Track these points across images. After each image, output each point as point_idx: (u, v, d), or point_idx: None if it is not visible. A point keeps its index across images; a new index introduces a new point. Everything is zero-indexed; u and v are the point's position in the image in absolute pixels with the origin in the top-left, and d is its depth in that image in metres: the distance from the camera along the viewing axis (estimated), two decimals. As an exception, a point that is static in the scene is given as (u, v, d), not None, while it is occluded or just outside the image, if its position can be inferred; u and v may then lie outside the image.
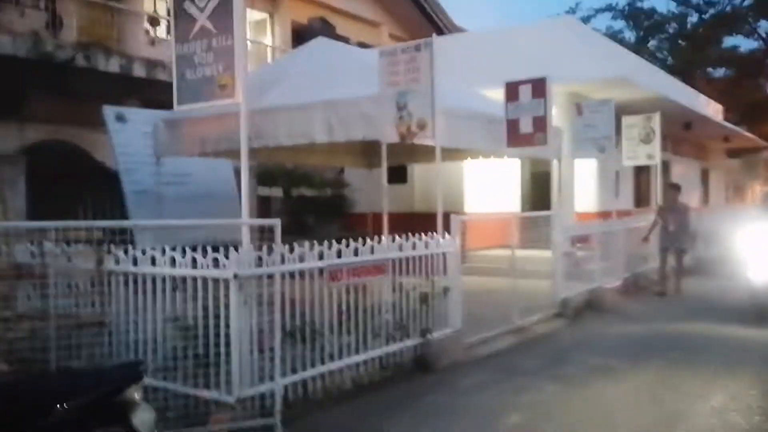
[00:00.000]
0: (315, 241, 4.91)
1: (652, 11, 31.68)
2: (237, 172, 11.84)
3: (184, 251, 4.36)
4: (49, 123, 11.22)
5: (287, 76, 7.96)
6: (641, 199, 15.34)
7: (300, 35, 16.03)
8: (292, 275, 4.56)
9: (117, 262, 4.68)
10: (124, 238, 4.88)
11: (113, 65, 11.56)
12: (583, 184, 13.25)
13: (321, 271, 4.77)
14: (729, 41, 31.26)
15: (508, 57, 11.99)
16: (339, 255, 4.94)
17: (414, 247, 5.75)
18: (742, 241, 8.33)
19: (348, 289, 5.05)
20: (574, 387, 5.44)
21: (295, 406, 4.55)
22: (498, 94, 8.26)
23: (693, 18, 31.68)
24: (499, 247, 8.30)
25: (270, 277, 4.27)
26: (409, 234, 5.85)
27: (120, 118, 9.98)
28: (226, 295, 4.13)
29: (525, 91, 8.07)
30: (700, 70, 29.81)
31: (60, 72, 10.67)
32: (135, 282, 4.60)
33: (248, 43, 16.37)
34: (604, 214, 11.61)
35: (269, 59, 16.19)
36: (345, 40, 14.07)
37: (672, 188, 10.79)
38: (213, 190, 10.35)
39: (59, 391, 2.43)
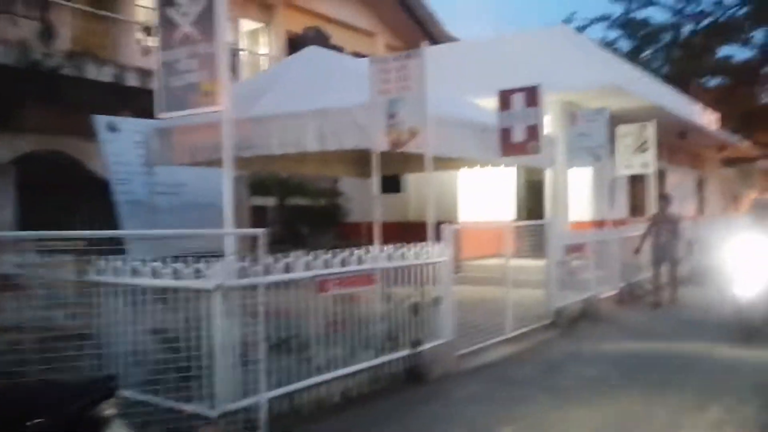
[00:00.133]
0: (308, 251, 4.83)
1: (647, 21, 31.81)
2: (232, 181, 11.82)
3: (169, 261, 4.27)
4: (40, 133, 11.14)
5: (279, 84, 7.92)
6: (636, 208, 15.29)
7: (295, 45, 16.00)
8: (278, 286, 4.47)
9: (99, 272, 4.59)
10: (115, 248, 4.81)
11: (106, 74, 11.51)
12: (578, 193, 13.20)
13: (309, 281, 4.68)
14: (724, 50, 31.42)
15: (503, 66, 11.97)
16: (327, 265, 4.84)
17: (404, 256, 5.66)
18: (728, 253, 7.82)
19: (337, 299, 4.96)
20: (569, 399, 5.34)
21: (282, 420, 4.45)
22: (492, 103, 8.21)
23: (688, 27, 31.81)
24: (494, 256, 8.22)
25: (254, 288, 4.18)
26: (403, 243, 5.77)
27: (112, 128, 9.91)
28: (209, 307, 4.03)
29: (518, 100, 8.02)
30: (696, 79, 29.87)
31: (52, 81, 10.62)
32: (117, 293, 4.51)
33: (243, 52, 16.43)
34: (599, 223, 11.53)
35: (264, 69, 16.17)
36: (340, 49, 14.06)
37: (662, 199, 10.71)
38: (207, 200, 10.26)
39: (19, 408, 2.31)
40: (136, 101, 11.34)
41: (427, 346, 5.79)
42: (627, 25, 31.89)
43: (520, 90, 8.05)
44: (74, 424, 2.34)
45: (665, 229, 10.11)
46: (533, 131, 7.88)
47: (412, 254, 5.74)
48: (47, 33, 11.37)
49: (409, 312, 5.65)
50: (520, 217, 13.55)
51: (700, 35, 30.68)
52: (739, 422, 4.71)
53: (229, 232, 4.45)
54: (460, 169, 11.25)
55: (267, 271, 4.34)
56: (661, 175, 16.86)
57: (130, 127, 9.57)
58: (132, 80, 11.64)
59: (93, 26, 12.38)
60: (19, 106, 10.56)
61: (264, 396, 4.20)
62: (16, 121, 10.64)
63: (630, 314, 9.35)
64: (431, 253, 5.98)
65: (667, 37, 32.27)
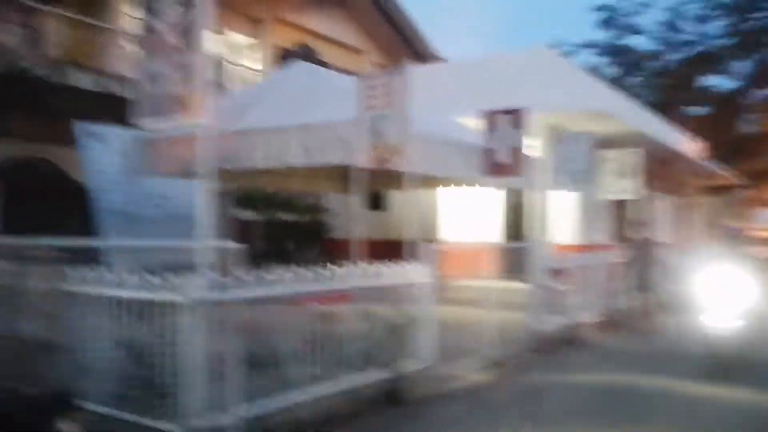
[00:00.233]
0: (292, 266, 4.75)
1: (633, 49, 32.35)
2: (216, 195, 11.72)
3: (145, 273, 4.17)
4: (24, 140, 11.01)
5: (266, 98, 7.89)
6: (621, 233, 15.37)
7: (284, 60, 16.03)
8: (253, 301, 4.37)
9: (71, 282, 4.48)
10: (92, 258, 4.71)
11: (92, 83, 11.43)
12: (563, 216, 13.23)
13: (285, 297, 4.59)
14: (708, 80, 31.97)
15: (488, 86, 12.05)
16: (304, 281, 4.76)
17: (383, 275, 5.59)
18: (699, 284, 7.48)
19: (314, 317, 4.86)
20: (550, 425, 5.26)
21: (254, 440, 4.33)
22: (478, 123, 8.22)
23: (673, 56, 32.36)
24: (478, 277, 8.18)
25: (228, 303, 4.08)
26: (388, 261, 5.70)
27: (93, 136, 9.81)
28: (181, 321, 3.93)
29: (503, 121, 8.03)
30: (680, 107, 30.33)
31: (37, 89, 10.51)
32: (89, 304, 4.39)
33: (231, 66, 16.42)
34: (583, 247, 11.56)
35: (253, 83, 16.14)
36: (328, 66, 14.10)
37: (637, 225, 10.73)
38: (190, 212, 10.18)
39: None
40: (121, 110, 11.23)
41: (406, 367, 5.70)
42: (613, 52, 32.42)
43: (505, 111, 8.07)
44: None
45: (640, 255, 10.10)
46: (517, 153, 7.88)
47: (391, 273, 5.67)
48: (33, 40, 11.28)
49: (388, 332, 5.56)
50: (506, 239, 13.56)
51: (684, 64, 31.23)
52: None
53: (204, 246, 4.36)
54: (445, 188, 11.25)
55: (242, 286, 4.25)
56: (646, 202, 16.99)
57: (113, 135, 9.47)
58: (117, 89, 11.55)
59: (79, 34, 12.30)
60: (2, 113, 10.43)
61: (235, 414, 4.08)
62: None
63: (611, 340, 9.29)
64: (412, 272, 5.91)
65: (652, 64, 32.83)
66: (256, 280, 4.37)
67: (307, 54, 15.51)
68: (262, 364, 4.43)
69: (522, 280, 8.58)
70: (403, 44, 19.93)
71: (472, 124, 8.44)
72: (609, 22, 31.75)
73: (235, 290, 4.14)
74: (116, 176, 9.35)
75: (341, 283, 5.08)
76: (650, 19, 57.81)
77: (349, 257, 8.81)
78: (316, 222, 14.18)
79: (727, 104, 30.79)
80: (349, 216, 10.59)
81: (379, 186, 11.21)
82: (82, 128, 9.51)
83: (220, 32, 16.15)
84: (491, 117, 8.14)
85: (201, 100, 4.20)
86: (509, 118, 8.00)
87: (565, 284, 9.35)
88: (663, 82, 31.96)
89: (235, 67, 16.51)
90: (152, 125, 4.61)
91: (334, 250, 12.88)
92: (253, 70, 16.78)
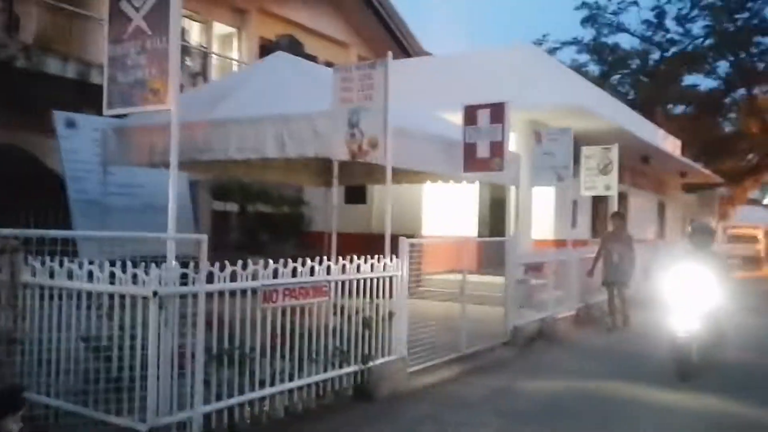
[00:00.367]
0: (268, 259, 4.68)
1: (616, 47, 32.53)
2: (191, 185, 11.56)
3: (115, 264, 4.06)
4: (-1, 128, 10.76)
5: (243, 89, 7.76)
6: (598, 229, 15.48)
7: (268, 52, 15.83)
8: (221, 294, 4.29)
9: (33, 274, 4.37)
10: (63, 249, 4.58)
11: (70, 71, 11.21)
12: (540, 212, 13.28)
13: (254, 291, 4.51)
14: (689, 79, 32.27)
15: (471, 81, 12.02)
16: (276, 275, 4.68)
17: (358, 269, 5.53)
18: (667, 283, 7.09)
19: (284, 311, 4.79)
20: (520, 424, 5.25)
21: (219, 436, 4.26)
22: (460, 118, 8.18)
23: (655, 55, 32.61)
24: (454, 271, 8.15)
25: (195, 296, 4.00)
26: (365, 255, 5.64)
27: (70, 124, 9.65)
28: (145, 314, 3.84)
29: (483, 116, 8.00)
30: (661, 106, 30.58)
31: (12, 76, 10.27)
32: (51, 296, 4.29)
33: (215, 56, 16.20)
34: (561, 243, 11.59)
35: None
36: (313, 59, 13.96)
37: (616, 217, 10.43)
38: (165, 203, 10.06)
39: None
40: (99, 98, 11.05)
41: (378, 362, 5.65)
42: (596, 49, 32.58)
43: (486, 106, 8.03)
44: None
45: (618, 249, 9.85)
46: (498, 148, 7.86)
47: (366, 267, 5.61)
48: (11, 26, 11.02)
49: (359, 326, 5.51)
50: (483, 234, 13.57)
51: (666, 63, 31.48)
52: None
53: (171, 237, 4.27)
54: (425, 182, 11.21)
55: (210, 279, 4.17)
56: (624, 198, 17.12)
57: (90, 124, 9.33)
58: (96, 77, 11.33)
59: (60, 21, 12.04)
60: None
61: (199, 410, 4.00)
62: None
63: (584, 336, 9.34)
64: (386, 266, 5.86)
65: (634, 63, 33.06)
66: (226, 273, 4.29)
67: (292, 46, 15.29)
68: (230, 359, 4.35)
69: (500, 274, 8.57)
70: (390, 39, 19.79)
71: (455, 119, 8.40)
72: (590, 19, 31.88)
73: (202, 283, 4.05)
74: (92, 165, 9.22)
75: (314, 277, 5.01)
76: (633, 17, 58.27)
77: (327, 250, 8.75)
78: (294, 214, 14.07)
79: (708, 104, 31.12)
80: (327, 209, 10.51)
81: (359, 179, 11.15)
82: (58, 116, 9.37)
83: (204, 23, 15.92)
84: (472, 112, 8.11)
85: (169, 87, 4.09)
86: (489, 113, 7.98)
87: (541, 279, 9.37)
88: (645, 80, 32.21)
89: (218, 58, 16.31)
90: (118, 112, 4.48)
91: (312, 243, 12.81)
92: (238, 61, 16.57)
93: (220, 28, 16.57)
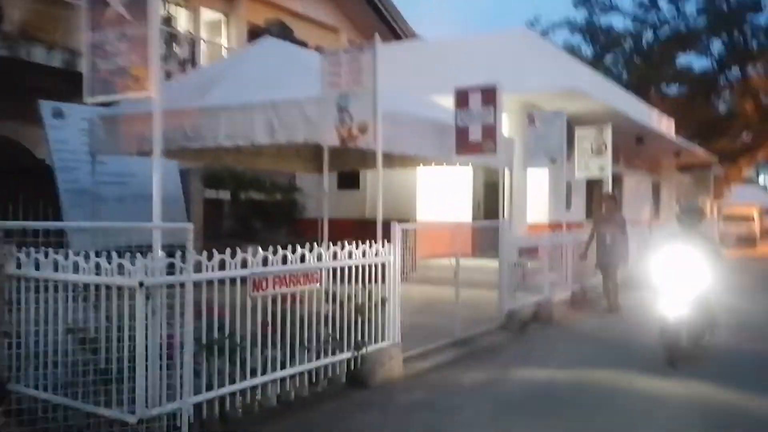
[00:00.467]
0: (261, 246, 4.62)
1: (609, 28, 32.36)
2: (183, 174, 11.47)
3: (89, 256, 4.00)
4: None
5: (232, 75, 7.66)
6: (593, 211, 15.46)
7: (257, 37, 15.65)
8: (210, 283, 4.24)
9: (19, 266, 4.30)
10: (57, 240, 4.53)
11: (57, 60, 11.06)
12: (534, 195, 13.23)
13: (244, 279, 4.46)
14: (683, 59, 32.16)
15: (463, 65, 11.90)
16: (265, 263, 4.63)
17: (350, 255, 5.48)
18: (656, 264, 6.83)
19: (275, 299, 4.74)
20: (513, 409, 5.23)
21: (210, 427, 4.22)
22: (451, 102, 8.10)
23: (649, 36, 32.45)
24: (449, 256, 8.12)
25: (183, 285, 3.94)
26: (359, 241, 5.59)
27: (58, 114, 9.55)
28: (133, 305, 3.79)
29: (475, 99, 7.92)
30: (655, 86, 30.49)
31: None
32: (38, 288, 4.23)
33: (202, 42, 16.01)
34: (556, 226, 11.57)
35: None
36: (303, 44, 13.79)
37: (609, 199, 10.34)
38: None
39: None
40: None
41: (371, 348, 5.62)
42: (589, 30, 32.40)
43: (478, 89, 7.95)
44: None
45: (611, 231, 9.74)
46: (490, 131, 7.79)
47: (358, 253, 5.56)
48: (-3, 14, 10.85)
49: (352, 313, 5.47)
50: (478, 217, 13.54)
51: (660, 43, 31.34)
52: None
53: (157, 226, 4.20)
54: (418, 167, 11.14)
55: (199, 268, 4.11)
56: (618, 179, 17.08)
57: (78, 113, 9.23)
58: (82, 65, 11.18)
59: (46, 9, 11.85)
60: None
61: (189, 401, 3.96)
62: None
63: (580, 319, 9.31)
64: (379, 252, 5.82)
65: (628, 44, 32.90)
66: (214, 262, 4.23)
67: (281, 31, 15.12)
68: (220, 349, 4.30)
69: (495, 258, 8.54)
70: (382, 24, 19.60)
71: (449, 103, 8.31)
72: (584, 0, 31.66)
73: (190, 273, 3.99)
74: (80, 155, 9.14)
75: (305, 264, 4.96)
76: (627, -1, 57.74)
77: (320, 237, 8.70)
78: (287, 201, 13.99)
79: (702, 84, 31.04)
80: (320, 195, 10.44)
81: (351, 165, 11.06)
82: (45, 106, 9.27)
83: (192, 9, 15.71)
84: (463, 95, 8.03)
85: (150, 74, 4.01)
86: (482, 96, 7.89)
87: (535, 262, 9.34)
88: (638, 61, 32.08)
89: (207, 44, 16.12)
90: (99, 100, 4.40)
91: (305, 230, 12.75)
92: (227, 47, 16.40)
93: (208, 14, 16.38)
